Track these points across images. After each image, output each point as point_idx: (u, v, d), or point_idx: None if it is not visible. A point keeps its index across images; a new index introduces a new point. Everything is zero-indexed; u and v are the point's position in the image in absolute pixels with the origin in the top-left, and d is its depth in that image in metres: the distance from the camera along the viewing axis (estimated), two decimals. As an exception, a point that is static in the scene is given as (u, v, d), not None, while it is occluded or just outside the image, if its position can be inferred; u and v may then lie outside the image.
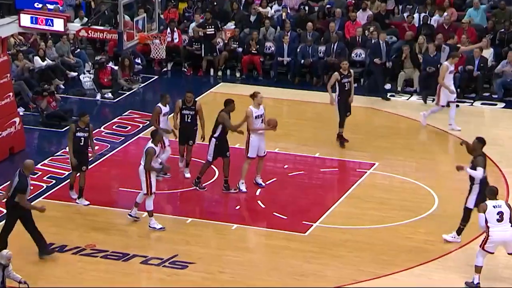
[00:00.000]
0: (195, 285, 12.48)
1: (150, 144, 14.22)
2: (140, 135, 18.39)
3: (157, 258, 13.10)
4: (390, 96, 21.26)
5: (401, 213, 14.53)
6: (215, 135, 15.24)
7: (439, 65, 20.94)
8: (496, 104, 20.68)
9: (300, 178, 16.04)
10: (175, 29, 23.12)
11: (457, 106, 18.98)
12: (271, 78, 22.44)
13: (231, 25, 23.90)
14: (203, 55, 22.71)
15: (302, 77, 22.46)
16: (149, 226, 14.09)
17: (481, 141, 13.74)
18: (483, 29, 22.63)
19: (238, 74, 22.80)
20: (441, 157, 17.32)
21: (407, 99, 20.99)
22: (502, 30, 22.38)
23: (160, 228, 14.07)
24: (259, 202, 14.97)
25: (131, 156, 17.30)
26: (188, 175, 15.93)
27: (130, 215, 14.36)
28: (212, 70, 22.81)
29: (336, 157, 17.01)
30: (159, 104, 16.16)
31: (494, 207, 12.16)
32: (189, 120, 15.90)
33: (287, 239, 13.83)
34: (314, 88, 21.83)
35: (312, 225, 14.22)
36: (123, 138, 18.22)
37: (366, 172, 16.31)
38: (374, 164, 16.63)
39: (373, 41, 22.01)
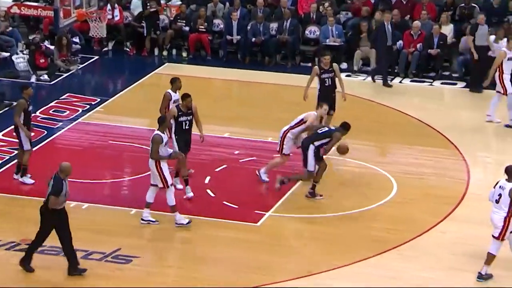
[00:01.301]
0: (139, 280, 12.33)
1: (156, 131, 13.75)
2: (79, 120, 18.13)
3: (99, 252, 12.92)
4: (347, 76, 21.27)
5: (358, 200, 14.54)
6: (316, 143, 14.66)
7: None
8: (456, 84, 20.84)
9: (252, 164, 15.96)
10: (116, 5, 22.80)
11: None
12: (220, 58, 22.28)
13: (176, 1, 23.66)
14: (145, 33, 22.48)
15: (253, 57, 22.34)
16: (176, 223, 13.72)
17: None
18: (443, 4, 22.76)
19: (184, 54, 22.61)
20: (401, 142, 17.33)
21: (364, 79, 21.04)
22: (462, 4, 22.51)
23: (188, 223, 13.74)
24: (208, 191, 14.85)
25: (69, 142, 17.05)
26: (181, 186, 14.79)
27: (143, 219, 13.83)
28: (156, 50, 22.60)
29: (290, 142, 16.97)
30: (169, 90, 15.29)
31: (500, 187, 12.14)
32: (187, 127, 14.63)
33: (238, 229, 13.74)
34: (266, 68, 21.75)
35: (264, 214, 14.15)
36: (61, 123, 17.94)
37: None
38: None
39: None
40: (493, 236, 12.10)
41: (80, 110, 18.61)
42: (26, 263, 12.52)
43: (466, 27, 21.65)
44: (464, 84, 20.69)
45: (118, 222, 13.88)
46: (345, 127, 14.80)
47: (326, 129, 14.83)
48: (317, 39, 22.39)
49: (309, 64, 22.31)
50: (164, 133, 13.76)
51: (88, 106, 18.71)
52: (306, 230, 13.75)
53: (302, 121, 15.18)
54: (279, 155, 15.27)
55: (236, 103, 18.88)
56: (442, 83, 20.87)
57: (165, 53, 22.44)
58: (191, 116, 14.54)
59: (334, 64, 16.69)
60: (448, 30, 21.79)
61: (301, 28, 22.67)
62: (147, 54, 22.32)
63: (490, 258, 12.14)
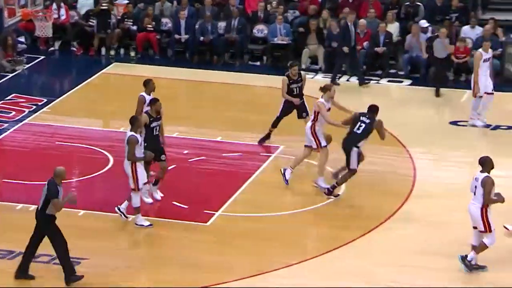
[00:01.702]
0: (87, 284, 12.20)
1: (130, 132, 13.56)
2: (25, 121, 17.90)
3: (46, 254, 12.74)
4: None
5: (307, 198, 14.58)
6: (359, 144, 14.50)
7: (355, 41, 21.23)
8: (402, 81, 21.04)
9: (201, 164, 15.92)
10: (62, 4, 22.55)
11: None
12: (168, 57, 22.18)
13: (123, 0, 23.50)
14: (96, 31, 22.28)
15: (201, 56, 22.29)
16: (136, 224, 13.60)
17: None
18: (388, 2, 22.95)
19: (132, 53, 22.45)
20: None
21: (312, 77, 21.10)
22: (407, 3, 22.73)
23: (149, 225, 13.64)
24: (157, 190, 14.77)
25: (16, 144, 16.82)
26: (159, 196, 14.54)
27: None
28: (104, 49, 22.41)
29: (239, 141, 16.96)
30: (143, 93, 15.07)
31: (475, 179, 12.29)
32: (157, 132, 14.31)
33: (187, 229, 13.68)
34: (215, 67, 21.72)
35: (214, 214, 14.12)
36: (6, 124, 17.69)
37: (270, 156, 16.31)
38: (279, 147, 16.66)
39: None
40: (480, 231, 12.19)
41: (27, 111, 18.37)
42: (23, 274, 12.21)
43: (411, 25, 21.89)
44: (410, 81, 20.89)
45: (66, 223, 13.70)
46: (373, 109, 14.60)
47: (363, 126, 14.51)
48: (265, 38, 22.42)
49: (258, 63, 22.35)
50: (138, 134, 13.59)
51: (35, 107, 18.48)
52: (256, 229, 13.75)
53: (317, 113, 15.04)
54: (319, 149, 14.99)
55: (185, 102, 18.81)
56: (388, 81, 21.04)
57: (112, 52, 22.27)
58: (160, 121, 14.31)
59: (303, 73, 16.61)
60: (394, 28, 21.98)
61: (249, 27, 22.68)
62: (95, 54, 22.13)
63: (482, 248, 12.23)
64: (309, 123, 15.18)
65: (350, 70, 21.06)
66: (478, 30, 21.56)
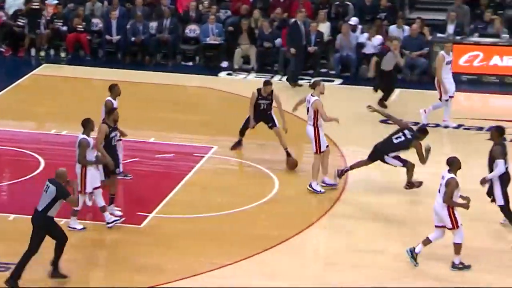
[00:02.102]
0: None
1: (82, 135, 13.26)
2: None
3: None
4: (227, 74, 21.32)
5: (241, 198, 14.57)
6: (390, 154, 14.47)
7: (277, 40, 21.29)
8: (333, 81, 21.21)
9: (134, 165, 15.78)
10: (-11, 5, 22.19)
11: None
12: (99, 58, 21.96)
13: (53, 0, 23.18)
14: (27, 32, 21.93)
15: (133, 56, 22.14)
16: (68, 227, 13.32)
17: (499, 130, 13.45)
18: (318, 2, 23.10)
19: (63, 54, 22.17)
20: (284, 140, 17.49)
21: (245, 77, 21.15)
22: (337, 2, 22.92)
23: (81, 229, 13.41)
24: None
25: None
26: (120, 212, 13.86)
27: (108, 223, 13.38)
28: (33, 50, 22.07)
29: (172, 142, 16.88)
30: (109, 98, 14.88)
31: (442, 177, 12.34)
32: (115, 143, 13.88)
33: (121, 232, 13.53)
34: (147, 67, 21.58)
35: (148, 216, 14.01)
36: None
37: (204, 156, 16.28)
38: (212, 147, 16.63)
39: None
40: (448, 228, 12.28)
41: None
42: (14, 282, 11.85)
43: (341, 25, 22.09)
44: (341, 80, 21.08)
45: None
46: (422, 131, 14.49)
47: (402, 138, 14.39)
48: (198, 38, 22.37)
49: (190, 63, 22.29)
50: (90, 137, 13.33)
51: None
52: (190, 230, 13.68)
53: (316, 112, 14.92)
54: (317, 155, 14.90)
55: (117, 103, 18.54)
56: (320, 81, 21.11)
57: (42, 53, 21.95)
58: (117, 130, 13.94)
59: (275, 94, 16.22)
60: (324, 27, 22.15)
61: (181, 27, 22.60)
62: (24, 55, 21.77)
63: (457, 247, 12.29)
64: (311, 128, 14.96)
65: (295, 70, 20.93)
66: (405, 29, 21.88)
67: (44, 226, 11.93)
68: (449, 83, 17.69)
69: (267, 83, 16.31)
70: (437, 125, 18.02)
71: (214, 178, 15.33)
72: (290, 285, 11.99)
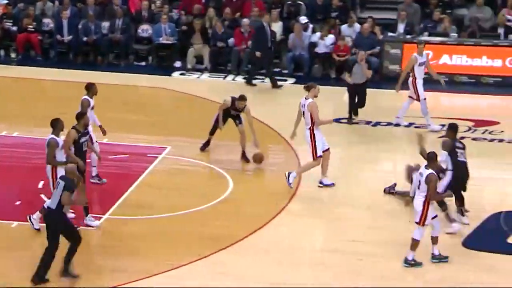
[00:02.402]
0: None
1: (51, 135, 13.00)
2: None
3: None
4: (181, 74, 21.23)
5: (196, 199, 14.49)
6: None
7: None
8: (286, 80, 21.25)
9: (87, 167, 15.59)
10: None
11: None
12: (50, 58, 21.71)
13: (3, 0, 22.87)
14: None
15: (85, 56, 21.93)
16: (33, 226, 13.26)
17: (452, 128, 13.59)
18: (271, 1, 23.12)
19: (13, 55, 21.89)
20: (235, 139, 17.43)
21: (198, 77, 21.07)
22: (289, 2, 22.97)
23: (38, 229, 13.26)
24: (42, 196, 14.40)
25: None
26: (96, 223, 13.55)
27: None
28: (-17, 51, 21.79)
29: (126, 143, 16.75)
30: (86, 96, 14.61)
31: (420, 174, 12.34)
32: (85, 148, 13.49)
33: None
34: (99, 67, 21.40)
35: (101, 217, 13.89)
36: None
37: (157, 157, 16.17)
38: (166, 148, 16.54)
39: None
40: (415, 222, 12.31)
41: None
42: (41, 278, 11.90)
43: (293, 24, 22.14)
44: (294, 80, 21.13)
45: None
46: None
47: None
48: (150, 38, 22.24)
49: (143, 63, 22.15)
50: (59, 137, 13.05)
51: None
52: (144, 231, 13.57)
53: (311, 114, 14.84)
54: (315, 159, 14.79)
55: (69, 104, 18.30)
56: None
57: (-8, 54, 21.68)
58: (88, 136, 13.57)
59: (247, 107, 16.02)
60: (277, 27, 22.17)
61: (133, 26, 22.45)
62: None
63: (414, 243, 12.30)
64: (307, 132, 14.89)
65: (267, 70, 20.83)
66: (357, 28, 22.01)
67: (59, 222, 11.91)
68: (420, 85, 17.36)
69: (242, 98, 16.09)
70: (389, 124, 18.16)
71: (168, 179, 15.25)
72: (245, 285, 11.96)
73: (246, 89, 20.24)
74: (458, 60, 21.02)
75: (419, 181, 12.29)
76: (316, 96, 15.05)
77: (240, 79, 21.16)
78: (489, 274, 12.12)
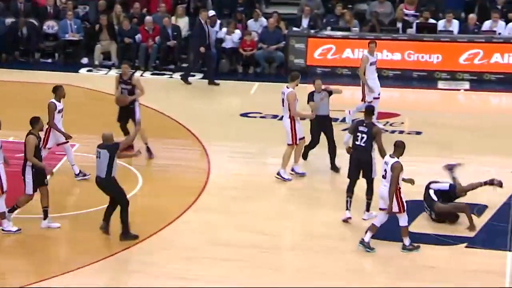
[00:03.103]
0: None
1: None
2: None
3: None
4: (88, 71, 20.99)
5: (104, 196, 14.29)
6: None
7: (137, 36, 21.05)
8: (194, 75, 21.18)
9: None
10: None
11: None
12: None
13: None
14: None
15: (-11, 54, 21.46)
16: (3, 230, 12.85)
17: (368, 110, 13.76)
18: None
19: None
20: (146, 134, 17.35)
21: (106, 73, 20.85)
22: (197, -3, 22.95)
23: (17, 231, 12.90)
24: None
25: None
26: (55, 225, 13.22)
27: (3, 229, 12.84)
28: None
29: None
30: (53, 100, 14.42)
31: (385, 163, 12.49)
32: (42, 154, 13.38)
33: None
34: (4, 65, 20.99)
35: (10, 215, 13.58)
36: None
37: (66, 154, 15.93)
38: (75, 145, 16.31)
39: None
40: (395, 212, 12.42)
41: None
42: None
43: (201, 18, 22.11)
44: (202, 75, 21.12)
45: None
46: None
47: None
48: (56, 34, 21.90)
49: (49, 60, 21.79)
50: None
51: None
52: (47, 230, 13.30)
53: (289, 103, 14.75)
54: (290, 146, 14.80)
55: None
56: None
57: None
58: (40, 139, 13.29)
59: (136, 77, 15.83)
60: (183, 22, 22.13)
61: (39, 23, 22.06)
62: None
63: (403, 230, 12.49)
64: (287, 119, 14.84)
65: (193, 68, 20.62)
66: (262, 23, 22.15)
67: (111, 184, 12.78)
68: (374, 84, 17.05)
69: (125, 62, 16.08)
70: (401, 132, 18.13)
71: (69, 177, 14.99)
72: (155, 282, 11.90)
73: (154, 84, 20.14)
74: (360, 54, 21.30)
75: (385, 170, 12.49)
76: (297, 85, 15.03)
77: (148, 74, 21.02)
78: (395, 262, 12.35)
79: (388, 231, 13.09)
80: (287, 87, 15.03)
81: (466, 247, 12.68)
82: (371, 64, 17.08)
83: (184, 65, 21.63)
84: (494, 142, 16.71)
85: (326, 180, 15.02)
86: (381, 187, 12.59)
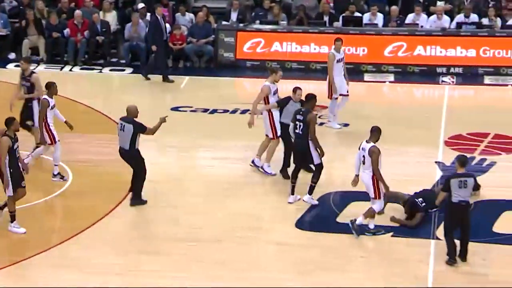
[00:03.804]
0: None
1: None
2: None
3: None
4: (16, 66, 20.65)
5: (35, 192, 14.00)
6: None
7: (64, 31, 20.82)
8: (124, 70, 21.09)
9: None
10: None
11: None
12: None
13: None
14: None
15: None
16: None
17: (308, 100, 13.87)
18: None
19: None
20: (75, 131, 17.09)
21: (34, 69, 20.51)
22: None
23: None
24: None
25: None
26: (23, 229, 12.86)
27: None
28: None
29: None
30: (45, 96, 14.14)
31: (362, 149, 12.58)
32: (19, 155, 12.85)
33: None
34: None
35: None
36: None
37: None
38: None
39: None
40: (371, 197, 12.56)
41: None
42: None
43: (130, 13, 21.99)
44: (131, 69, 21.00)
45: None
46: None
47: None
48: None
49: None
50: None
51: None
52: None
53: (266, 97, 14.75)
54: (275, 140, 14.75)
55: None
56: (110, 70, 20.99)
57: None
58: (18, 141, 12.77)
59: (35, 75, 15.43)
60: (111, 17, 21.95)
61: (-35, 18, 21.64)
62: None
63: (369, 211, 12.63)
64: (265, 113, 14.73)
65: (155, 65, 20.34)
66: (191, 17, 22.12)
67: (134, 157, 13.44)
68: (340, 82, 16.86)
69: (25, 59, 15.74)
70: (226, 111, 18.35)
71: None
72: (88, 277, 11.83)
73: (84, 79, 19.94)
74: (289, 47, 21.52)
75: (363, 156, 12.60)
76: (276, 82, 14.98)
77: (77, 69, 20.80)
78: (324, 253, 12.54)
79: (321, 223, 13.30)
80: (265, 80, 15.12)
81: (393, 236, 12.91)
82: (337, 61, 16.93)
83: (114, 59, 21.47)
84: (418, 132, 17.04)
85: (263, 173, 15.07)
86: (362, 174, 12.75)
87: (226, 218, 13.48)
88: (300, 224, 13.34)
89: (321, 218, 13.59)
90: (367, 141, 12.70)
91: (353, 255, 12.38)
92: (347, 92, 17.16)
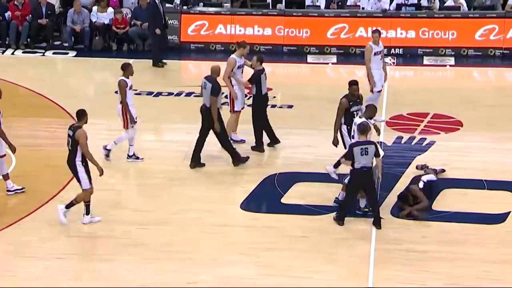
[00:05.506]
0: None
1: None
2: None
3: None
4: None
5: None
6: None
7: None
8: (68, 53, 20.74)
9: None
10: None
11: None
12: None
13: None
14: None
15: None
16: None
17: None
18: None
19: None
20: (16, 114, 16.69)
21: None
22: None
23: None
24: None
25: None
26: None
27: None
28: None
29: None
30: (123, 77, 13.86)
31: (354, 123, 12.85)
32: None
33: None
34: None
35: None
36: None
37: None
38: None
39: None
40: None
41: None
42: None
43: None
44: (74, 53, 20.66)
45: None
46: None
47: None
48: None
49: None
50: None
51: None
52: None
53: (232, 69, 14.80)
54: (233, 114, 14.99)
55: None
56: (54, 53, 20.63)
57: None
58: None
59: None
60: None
61: None
62: None
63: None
64: (236, 86, 14.85)
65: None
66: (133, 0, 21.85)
67: (210, 118, 13.79)
68: (379, 75, 16.12)
69: None
70: (170, 93, 18.21)
71: None
72: (31, 262, 11.64)
73: (26, 63, 19.58)
74: (233, 29, 21.38)
75: (353, 130, 12.67)
76: (244, 55, 15.08)
77: (19, 53, 20.40)
78: (267, 233, 12.51)
79: (266, 205, 13.29)
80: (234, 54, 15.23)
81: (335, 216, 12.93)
82: (375, 54, 16.19)
83: (57, 42, 21.11)
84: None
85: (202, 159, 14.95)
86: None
87: (170, 201, 13.35)
88: (245, 205, 13.27)
89: (266, 199, 13.55)
90: (359, 116, 13.00)
91: (296, 235, 12.36)
92: (382, 86, 16.34)
